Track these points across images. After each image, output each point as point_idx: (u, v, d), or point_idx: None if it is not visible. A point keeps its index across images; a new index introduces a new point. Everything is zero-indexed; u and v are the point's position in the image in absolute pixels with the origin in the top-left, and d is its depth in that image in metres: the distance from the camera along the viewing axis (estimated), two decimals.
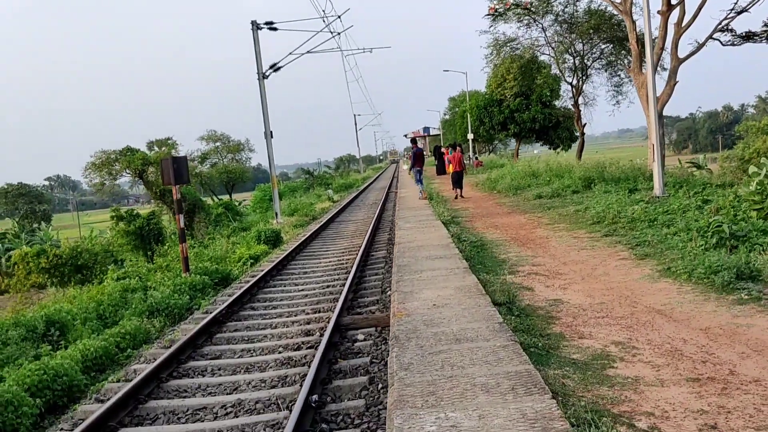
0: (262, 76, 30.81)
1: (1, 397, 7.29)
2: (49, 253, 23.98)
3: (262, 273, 14.58)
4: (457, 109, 55.11)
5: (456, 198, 23.67)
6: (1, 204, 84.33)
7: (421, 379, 4.04)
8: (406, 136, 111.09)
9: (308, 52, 32.57)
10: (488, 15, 24.31)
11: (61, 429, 7.09)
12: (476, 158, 47.39)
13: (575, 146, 32.26)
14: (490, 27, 25.14)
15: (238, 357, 9.08)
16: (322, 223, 24.70)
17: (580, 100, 26.83)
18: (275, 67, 31.49)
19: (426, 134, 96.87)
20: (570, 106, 30.99)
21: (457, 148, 31.96)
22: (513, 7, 23.51)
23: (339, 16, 31.52)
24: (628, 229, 10.62)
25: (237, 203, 56.67)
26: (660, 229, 9.87)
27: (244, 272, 16.98)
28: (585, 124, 27.79)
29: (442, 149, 47.04)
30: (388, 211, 25.25)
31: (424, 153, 28.92)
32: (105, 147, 40.26)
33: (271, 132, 31.27)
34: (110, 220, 32.14)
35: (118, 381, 8.52)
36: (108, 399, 7.47)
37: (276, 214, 30.40)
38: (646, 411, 3.76)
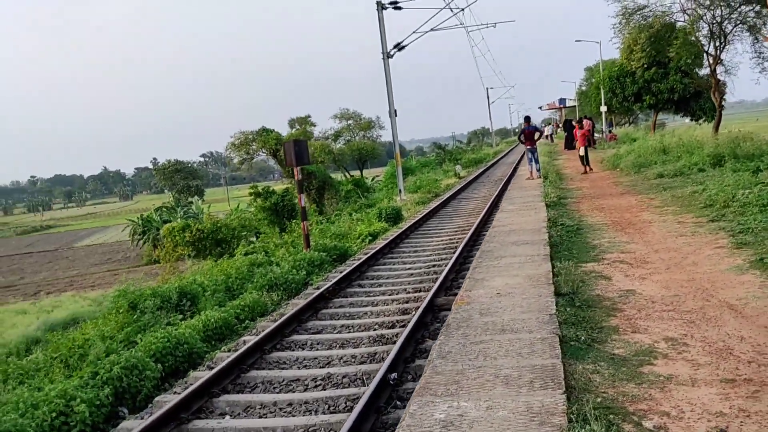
0: (387, 56, 31.36)
1: (127, 361, 8.28)
2: (193, 228, 26.17)
3: (373, 251, 15.19)
4: (593, 80, 52.79)
5: (585, 173, 23.35)
6: (160, 179, 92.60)
7: (452, 368, 4.35)
8: (541, 108, 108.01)
9: (432, 29, 32.67)
10: None
11: (174, 392, 7.97)
12: (609, 131, 45.40)
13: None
14: None
15: (337, 333, 9.71)
16: (442, 200, 25.04)
17: (720, 68, 24.92)
18: (399, 47, 31.94)
19: (562, 106, 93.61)
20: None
21: (584, 122, 30.86)
22: None
23: None
24: (737, 215, 10.06)
25: (369, 179, 58.34)
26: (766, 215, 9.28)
27: (360, 249, 17.67)
28: (723, 94, 25.81)
29: (573, 122, 45.52)
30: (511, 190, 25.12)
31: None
32: (254, 127, 43.16)
33: (396, 110, 31.88)
34: (249, 196, 34.39)
35: (229, 351, 9.40)
36: (215, 367, 8.35)
37: (399, 191, 31.12)
38: (662, 410, 3.83)
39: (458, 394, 3.89)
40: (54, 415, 7.16)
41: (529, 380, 4.01)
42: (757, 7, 21.53)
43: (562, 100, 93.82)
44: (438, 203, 24.45)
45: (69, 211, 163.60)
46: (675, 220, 10.80)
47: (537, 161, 22.91)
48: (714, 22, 23.31)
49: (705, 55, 25.23)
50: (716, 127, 26.35)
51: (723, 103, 26.40)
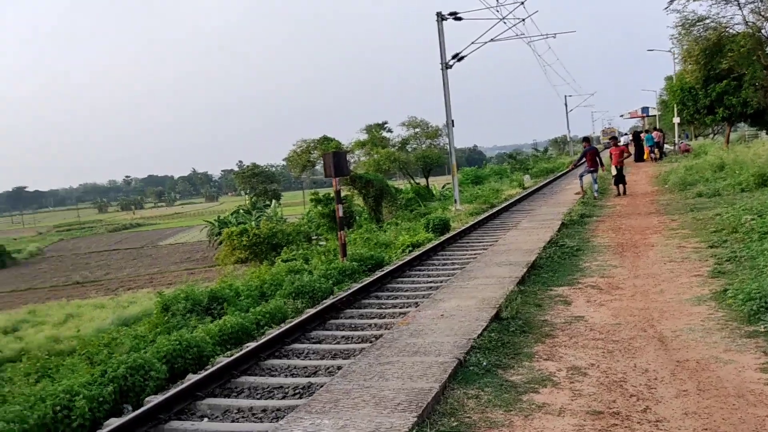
0: (446, 66, 31.66)
1: (134, 362, 9.03)
2: (250, 232, 27.33)
3: (401, 263, 15.54)
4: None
5: (618, 195, 22.28)
6: (239, 183, 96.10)
7: (344, 387, 4.76)
8: (622, 116, 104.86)
9: (491, 40, 32.72)
10: None
11: (167, 392, 8.61)
12: (681, 143, 43.83)
13: None
14: (671, 3, 23.34)
15: (335, 343, 10.15)
16: (493, 212, 25.06)
17: None
18: (458, 57, 32.17)
19: (645, 114, 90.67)
20: None
21: (643, 135, 29.89)
22: None
23: (522, 2, 31.24)
24: (737, 242, 9.89)
25: (438, 187, 58.59)
26: (761, 244, 9.09)
27: (399, 259, 18.00)
28: None
29: (641, 134, 44.22)
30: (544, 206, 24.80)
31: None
32: (330, 133, 44.46)
33: (453, 121, 32.13)
34: (310, 203, 35.50)
35: (231, 356, 10.02)
36: (210, 371, 8.97)
37: (455, 201, 31.33)
38: None
39: (327, 413, 4.33)
40: (57, 408, 7.91)
41: (398, 402, 4.38)
42: None
43: (645, 109, 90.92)
44: (487, 215, 24.40)
45: (158, 210, 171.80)
46: (678, 244, 10.71)
47: (595, 181, 22.23)
48: None
49: (765, 70, 24.21)
50: None
51: None
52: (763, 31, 22.95)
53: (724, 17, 23.62)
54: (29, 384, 10.03)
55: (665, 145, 41.15)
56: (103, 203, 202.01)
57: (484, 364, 5.39)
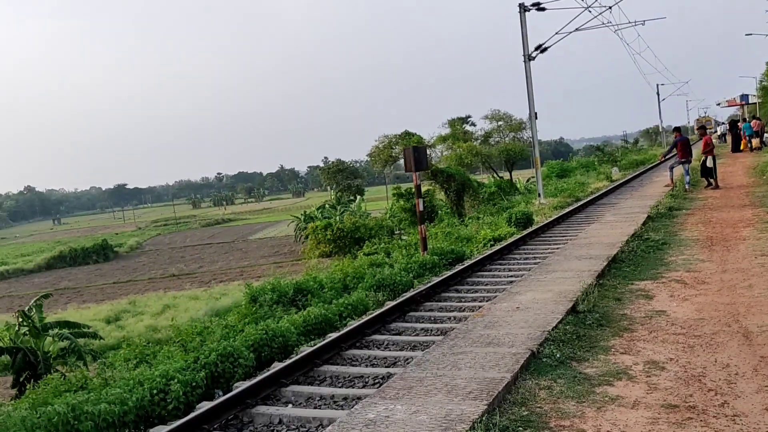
0: (528, 58, 31.19)
1: (224, 350, 9.51)
2: (334, 227, 27.90)
3: (481, 257, 15.54)
4: None
5: (707, 187, 21.27)
6: (325, 178, 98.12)
7: (418, 375, 4.91)
8: (719, 104, 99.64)
9: (576, 30, 31.96)
10: None
11: (254, 378, 9.03)
12: None
13: None
14: None
15: (414, 335, 10.34)
16: (577, 206, 24.57)
17: None
18: (542, 48, 31.60)
19: (744, 102, 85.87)
20: None
21: (738, 124, 28.44)
22: None
23: None
24: None
25: (523, 180, 57.75)
26: None
27: (479, 253, 17.98)
28: None
29: (739, 123, 42.02)
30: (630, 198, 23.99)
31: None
32: (413, 128, 44.80)
33: (536, 113, 31.67)
34: (392, 197, 35.86)
35: (314, 345, 10.36)
36: (294, 360, 9.33)
37: (539, 194, 30.85)
38: (580, 428, 4.15)
39: (400, 398, 4.50)
40: (155, 392, 8.44)
41: (469, 391, 4.49)
42: None
43: (744, 96, 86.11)
44: (572, 209, 23.92)
45: (248, 205, 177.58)
46: None
47: (687, 173, 21.47)
48: None
49: None
50: None
51: None
52: None
53: None
54: (129, 369, 10.72)
55: (765, 135, 38.93)
56: (197, 199, 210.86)
57: (558, 356, 5.41)
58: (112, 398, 8.10)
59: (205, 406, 7.68)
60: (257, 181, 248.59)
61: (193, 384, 8.75)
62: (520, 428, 4.14)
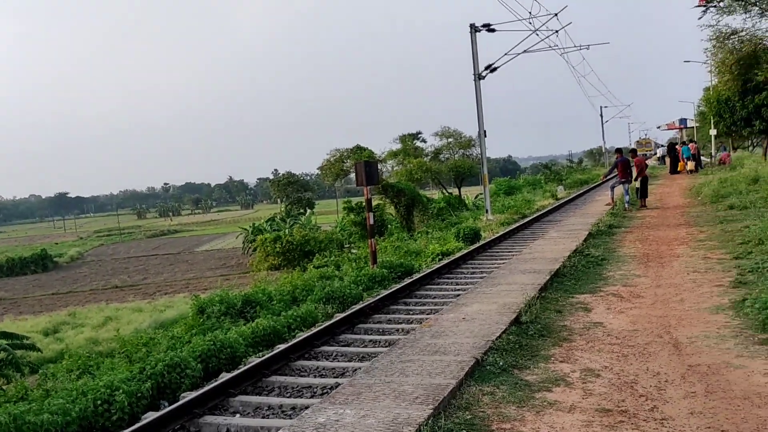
0: (478, 77, 31.85)
1: (171, 360, 9.43)
2: (283, 239, 27.86)
3: (430, 271, 15.79)
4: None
5: (640, 207, 22.23)
6: (274, 191, 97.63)
7: (366, 381, 5.07)
8: (659, 127, 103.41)
9: (525, 51, 32.82)
10: (699, 6, 22.56)
11: (201, 388, 8.99)
12: (722, 153, 43.24)
13: None
14: (700, 18, 23.31)
15: (363, 346, 10.45)
16: (524, 222, 25.14)
17: None
18: (491, 68, 32.35)
19: (682, 126, 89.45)
20: None
21: (632, 152, 29.59)
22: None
23: (555, 15, 31.32)
24: (762, 253, 9.95)
25: (471, 197, 58.66)
26: None
27: (429, 267, 18.21)
28: None
29: (677, 146, 43.78)
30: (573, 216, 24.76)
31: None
32: (364, 143, 45.17)
33: (485, 132, 32.29)
34: (343, 211, 35.99)
35: (262, 356, 10.38)
36: (243, 370, 9.34)
37: (486, 210, 31.43)
38: (519, 431, 4.38)
39: (349, 404, 4.65)
40: (99, 402, 8.32)
41: (416, 396, 4.68)
42: None
43: (683, 120, 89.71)
44: (518, 225, 24.44)
45: (195, 217, 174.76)
46: (703, 255, 10.81)
47: (627, 192, 22.29)
48: None
49: None
50: None
51: None
52: None
53: (759, 30, 23.51)
54: (71, 380, 10.51)
55: (701, 157, 40.73)
56: (142, 210, 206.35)
57: (501, 364, 5.65)
58: (55, 408, 7.96)
59: (152, 416, 7.63)
60: (205, 192, 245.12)
61: (139, 395, 8.66)
62: (464, 431, 4.34)
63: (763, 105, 33.48)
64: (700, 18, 23.55)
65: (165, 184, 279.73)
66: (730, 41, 23.97)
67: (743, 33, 23.62)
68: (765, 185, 20.41)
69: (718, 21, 23.86)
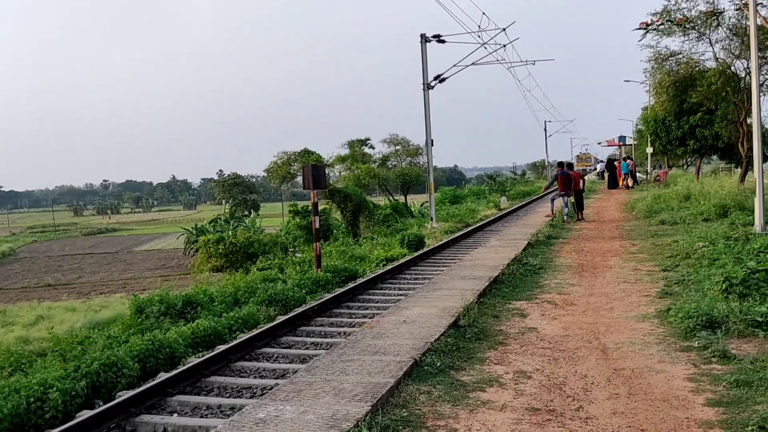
0: (427, 87, 32.27)
1: (107, 359, 9.28)
2: (227, 241, 27.59)
3: (373, 275, 15.93)
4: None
5: (577, 220, 22.99)
6: (219, 192, 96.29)
7: (307, 380, 5.17)
8: (600, 143, 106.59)
9: (473, 64, 33.47)
10: (638, 29, 23.57)
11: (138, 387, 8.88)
12: (661, 170, 45.07)
13: None
14: (640, 41, 24.35)
15: (304, 348, 10.49)
16: (467, 231, 25.58)
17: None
18: (440, 78, 32.85)
19: (621, 143, 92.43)
20: None
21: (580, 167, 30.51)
22: (666, 22, 22.51)
23: (503, 29, 32.08)
24: (689, 266, 10.53)
25: (417, 204, 59.24)
26: (709, 269, 9.73)
27: (372, 272, 18.35)
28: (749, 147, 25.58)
29: (615, 162, 45.33)
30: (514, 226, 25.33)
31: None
32: (313, 146, 45.33)
33: (432, 140, 32.71)
34: (289, 214, 35.85)
35: (202, 357, 10.31)
36: (181, 370, 9.27)
37: (431, 218, 31.85)
38: (453, 427, 4.58)
39: (290, 400, 4.75)
40: (31, 400, 8.13)
41: (355, 394, 4.81)
42: None
43: (622, 138, 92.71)
44: (461, 234, 24.83)
45: (135, 215, 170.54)
46: (634, 267, 11.33)
47: (566, 205, 22.82)
48: (747, 72, 23.28)
49: (733, 105, 25.20)
50: (742, 177, 26.17)
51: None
52: (732, 68, 23.97)
53: (696, 53, 24.66)
54: (3, 377, 10.23)
55: (638, 174, 42.28)
56: (79, 206, 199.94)
57: (438, 364, 5.85)
58: None
59: (86, 414, 7.53)
60: (146, 190, 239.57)
61: (73, 393, 8.50)
62: (400, 427, 4.50)
63: (698, 126, 35.06)
64: (639, 41, 24.60)
65: (104, 180, 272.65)
66: (668, 63, 25.05)
67: (680, 55, 24.74)
68: (695, 202, 21.39)
69: (658, 42, 24.95)
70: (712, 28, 23.81)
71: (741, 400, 5.01)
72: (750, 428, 4.44)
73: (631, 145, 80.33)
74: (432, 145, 32.79)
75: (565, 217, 22.65)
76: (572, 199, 23.22)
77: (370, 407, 4.54)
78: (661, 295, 8.85)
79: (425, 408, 4.90)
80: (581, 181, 23.74)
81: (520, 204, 41.80)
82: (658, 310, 8.00)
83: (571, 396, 5.25)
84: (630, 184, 40.54)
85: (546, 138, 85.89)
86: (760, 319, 6.87)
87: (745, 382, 5.32)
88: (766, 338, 6.61)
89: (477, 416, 4.79)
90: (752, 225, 13.84)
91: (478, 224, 28.61)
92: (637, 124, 67.84)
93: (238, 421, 4.49)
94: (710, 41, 24.08)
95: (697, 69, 24.68)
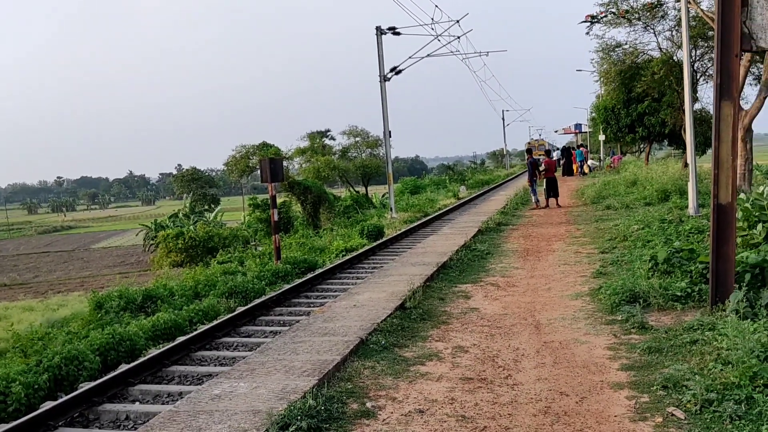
0: (383, 79, 32.68)
1: (69, 353, 9.49)
2: (186, 236, 27.61)
3: (332, 266, 16.31)
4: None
5: (547, 207, 23.32)
6: (178, 186, 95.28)
7: (259, 359, 5.57)
8: (557, 131, 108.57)
9: (428, 56, 33.97)
10: (584, 21, 24.40)
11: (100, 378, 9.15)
12: (615, 157, 46.32)
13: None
14: (587, 32, 25.22)
15: (264, 337, 10.84)
16: (425, 220, 26.10)
17: (698, 105, 25.83)
18: (396, 70, 33.29)
19: (577, 131, 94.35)
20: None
21: (549, 154, 31.40)
22: (611, 15, 23.39)
23: (457, 21, 32.65)
24: (625, 248, 11.20)
25: (378, 195, 59.66)
26: (642, 250, 10.40)
27: (331, 263, 18.69)
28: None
29: (572, 149, 46.48)
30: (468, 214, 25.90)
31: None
32: (272, 139, 45.33)
33: (390, 132, 33.16)
34: (249, 208, 35.89)
35: (163, 348, 10.57)
36: (142, 361, 9.54)
37: (391, 209, 32.34)
38: (392, 396, 5.06)
39: (243, 378, 5.16)
40: None
41: (304, 370, 5.25)
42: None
43: (578, 125, 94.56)
44: (419, 223, 25.29)
45: (91, 212, 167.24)
46: (576, 250, 11.99)
47: (534, 192, 23.20)
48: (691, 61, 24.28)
49: (676, 93, 26.23)
50: (685, 163, 27.30)
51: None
52: (675, 57, 24.94)
53: (641, 43, 25.61)
54: None
55: (590, 161, 43.46)
56: (33, 204, 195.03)
57: (383, 342, 6.32)
58: None
59: (50, 404, 7.79)
60: (103, 186, 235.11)
61: (36, 386, 8.71)
62: (344, 397, 4.95)
63: (645, 113, 36.25)
64: (587, 33, 25.42)
65: (58, 177, 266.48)
66: (615, 53, 25.96)
67: (627, 46, 25.68)
68: (641, 188, 22.31)
69: (605, 33, 25.84)
70: (657, 20, 24.78)
71: (651, 365, 5.60)
72: (655, 387, 5.02)
73: (587, 132, 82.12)
74: (390, 136, 33.27)
75: (534, 202, 22.90)
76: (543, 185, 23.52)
77: (317, 381, 4.97)
78: (595, 275, 9.48)
79: (368, 381, 5.36)
80: (554, 168, 24.24)
81: (479, 193, 42.60)
82: (591, 289, 8.61)
83: (502, 366, 5.78)
84: (586, 171, 41.68)
85: (504, 127, 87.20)
86: (678, 294, 7.53)
87: (656, 349, 5.92)
88: (683, 311, 7.26)
89: (415, 386, 5.27)
90: (687, 208, 14.66)
91: (436, 214, 29.16)
92: (591, 113, 69.46)
93: (195, 398, 4.88)
94: (654, 31, 25.05)
95: (642, 59, 25.62)
